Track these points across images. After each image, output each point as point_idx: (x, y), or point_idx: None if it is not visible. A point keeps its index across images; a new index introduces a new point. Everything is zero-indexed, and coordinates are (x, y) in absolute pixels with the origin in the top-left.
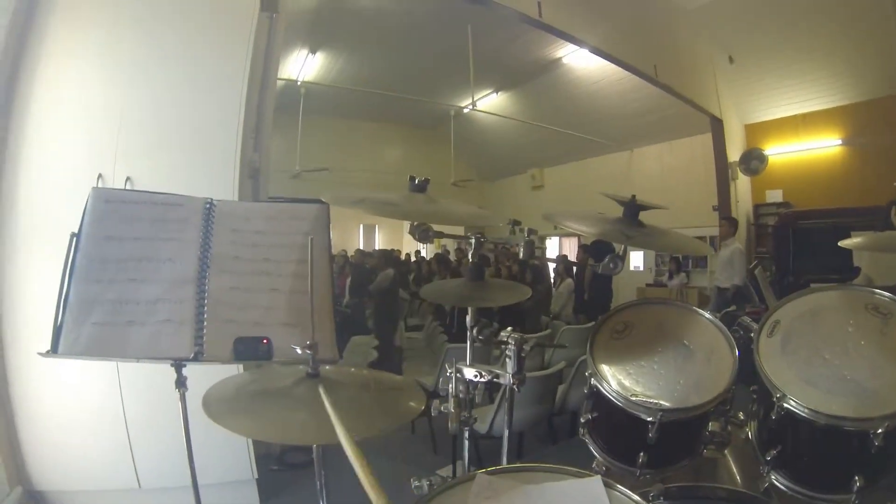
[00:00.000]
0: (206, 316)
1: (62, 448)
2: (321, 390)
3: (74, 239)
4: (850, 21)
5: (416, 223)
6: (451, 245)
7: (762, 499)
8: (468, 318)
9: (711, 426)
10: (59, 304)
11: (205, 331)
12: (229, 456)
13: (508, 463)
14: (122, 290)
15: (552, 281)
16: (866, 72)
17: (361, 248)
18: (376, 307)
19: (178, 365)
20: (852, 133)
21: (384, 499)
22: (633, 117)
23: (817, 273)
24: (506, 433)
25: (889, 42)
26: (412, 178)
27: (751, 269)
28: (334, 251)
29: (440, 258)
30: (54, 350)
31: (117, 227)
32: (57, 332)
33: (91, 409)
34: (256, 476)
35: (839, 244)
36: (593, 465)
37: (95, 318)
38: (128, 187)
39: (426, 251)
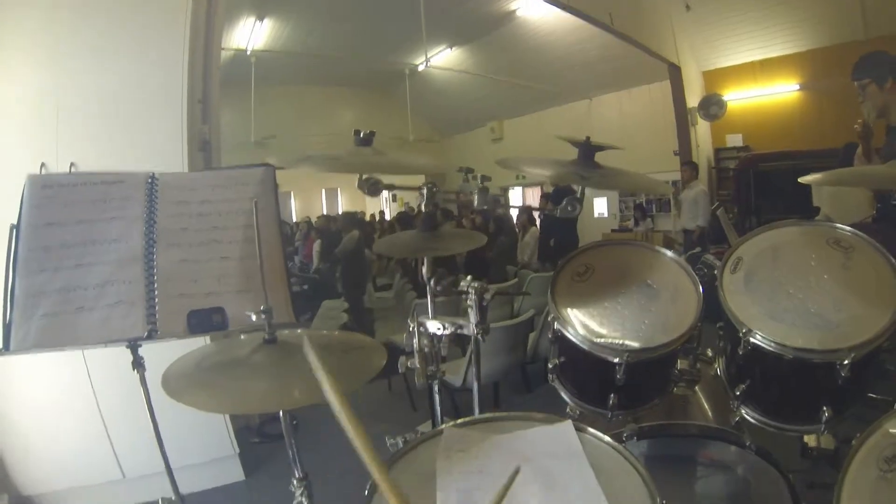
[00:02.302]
0: (157, 293)
1: (42, 450)
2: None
3: (14, 230)
4: None
5: (364, 177)
6: (414, 203)
7: (733, 433)
8: (424, 270)
9: (680, 364)
10: (6, 300)
11: (157, 308)
12: (208, 434)
13: (480, 413)
14: (68, 278)
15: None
16: (822, 19)
17: (325, 212)
18: (343, 270)
19: (134, 345)
20: (809, 78)
21: (376, 463)
22: (591, 66)
23: (778, 214)
24: (475, 384)
25: None
26: (357, 132)
27: (713, 209)
28: (298, 218)
29: (402, 216)
30: (6, 348)
31: (58, 213)
32: (7, 329)
33: (64, 405)
34: (238, 451)
35: (799, 180)
36: (567, 410)
37: (44, 309)
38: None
39: (389, 210)
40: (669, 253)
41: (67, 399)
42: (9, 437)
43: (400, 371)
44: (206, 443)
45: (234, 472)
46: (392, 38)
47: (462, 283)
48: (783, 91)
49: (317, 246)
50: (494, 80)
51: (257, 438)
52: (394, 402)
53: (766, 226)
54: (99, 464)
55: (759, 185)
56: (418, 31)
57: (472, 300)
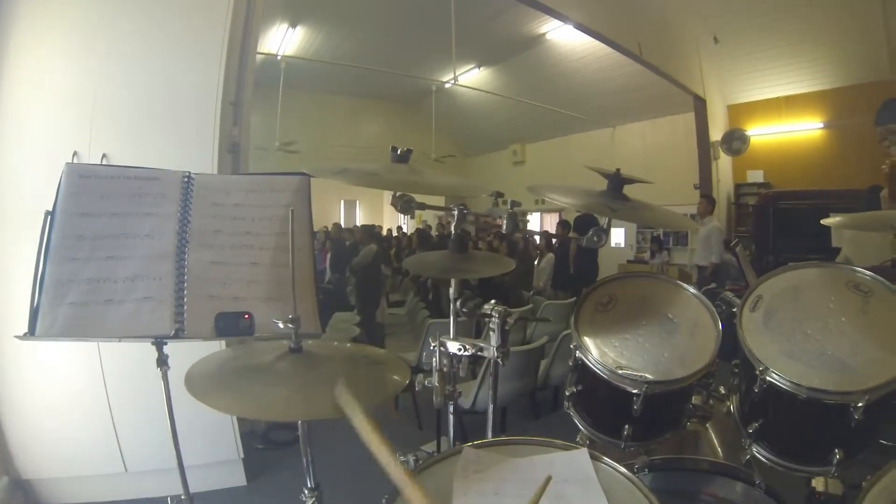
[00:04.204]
0: (186, 292)
1: (47, 435)
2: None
3: (49, 217)
4: (835, 7)
5: (397, 194)
6: (431, 221)
7: (743, 470)
8: (451, 291)
9: (694, 400)
10: (35, 285)
11: (185, 307)
12: (214, 436)
13: (493, 437)
14: (99, 268)
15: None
16: (849, 57)
17: (342, 223)
18: (358, 283)
19: (160, 343)
20: (833, 117)
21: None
22: (617, 94)
23: (797, 253)
24: (490, 407)
25: (872, 28)
26: (394, 149)
27: (731, 246)
28: (316, 227)
29: (421, 233)
30: (31, 333)
31: (93, 203)
32: (33, 314)
33: (74, 393)
34: (242, 455)
35: (822, 222)
36: (577, 439)
37: (72, 297)
38: (104, 164)
39: (407, 226)
40: (691, 288)
41: (79, 390)
42: (16, 420)
43: (417, 389)
44: (211, 445)
45: (236, 477)
46: (421, 54)
47: (486, 307)
48: (807, 129)
49: (330, 256)
50: (520, 103)
51: (262, 445)
52: (400, 419)
53: (787, 266)
54: (102, 456)
55: (779, 223)
56: (448, 49)
57: (495, 324)
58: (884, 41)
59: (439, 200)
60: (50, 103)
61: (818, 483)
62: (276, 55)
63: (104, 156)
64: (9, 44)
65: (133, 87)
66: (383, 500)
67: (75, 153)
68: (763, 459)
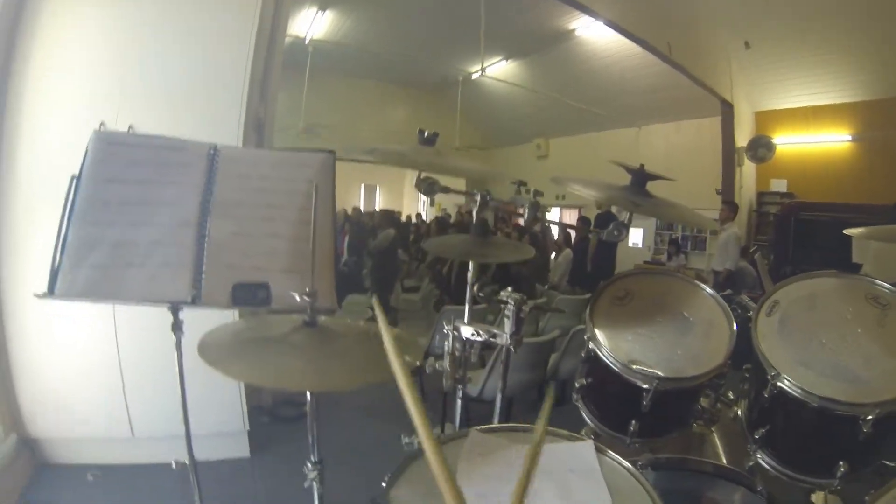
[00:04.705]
0: (205, 260)
1: (57, 395)
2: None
3: (75, 181)
4: (867, 19)
5: (422, 176)
6: (451, 209)
7: (747, 476)
8: (469, 275)
9: (702, 402)
10: (58, 246)
11: (203, 275)
12: (222, 407)
13: None
14: (121, 233)
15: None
16: (880, 70)
17: (361, 208)
18: (374, 267)
19: (175, 308)
20: (862, 130)
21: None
22: (643, 94)
23: (816, 265)
24: (499, 395)
25: None
26: (421, 132)
27: (751, 253)
28: (336, 209)
29: (440, 221)
30: (51, 292)
31: (119, 170)
32: (54, 273)
33: (86, 356)
34: (248, 428)
35: (846, 232)
36: (582, 432)
37: (94, 260)
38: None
39: (426, 214)
40: (708, 288)
41: (92, 354)
42: (28, 380)
43: (427, 372)
44: (218, 415)
45: (240, 448)
46: (450, 44)
47: (503, 293)
48: (834, 140)
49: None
50: (546, 97)
51: (268, 419)
52: (405, 403)
53: (806, 274)
54: (110, 419)
55: (800, 234)
56: (476, 40)
57: (510, 311)
58: None
59: (461, 185)
60: (79, 74)
61: (818, 498)
62: (304, 38)
63: (130, 126)
64: (41, 14)
65: (162, 60)
66: (384, 482)
67: (102, 123)
68: (767, 467)
